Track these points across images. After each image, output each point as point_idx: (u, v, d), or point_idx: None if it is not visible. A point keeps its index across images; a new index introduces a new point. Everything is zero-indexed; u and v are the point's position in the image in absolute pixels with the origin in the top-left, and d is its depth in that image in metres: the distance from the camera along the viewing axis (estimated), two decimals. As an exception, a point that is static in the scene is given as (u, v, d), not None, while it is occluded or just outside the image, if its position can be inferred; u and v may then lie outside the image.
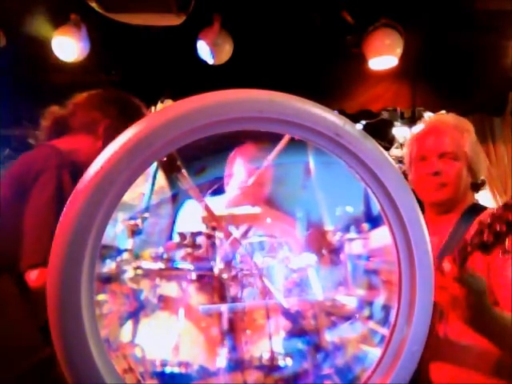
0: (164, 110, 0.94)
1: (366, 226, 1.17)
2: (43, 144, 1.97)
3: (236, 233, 1.13)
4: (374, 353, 1.04)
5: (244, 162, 2.37)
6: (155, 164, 1.10)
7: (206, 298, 1.10)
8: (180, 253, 1.13)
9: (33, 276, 1.61)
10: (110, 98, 2.03)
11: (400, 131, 5.09)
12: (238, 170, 2.39)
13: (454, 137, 1.81)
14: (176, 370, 1.04)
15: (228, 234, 1.11)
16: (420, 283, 0.96)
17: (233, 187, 2.36)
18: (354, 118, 3.99)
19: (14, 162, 1.94)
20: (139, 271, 1.07)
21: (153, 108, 4.00)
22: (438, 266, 1.33)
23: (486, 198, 4.33)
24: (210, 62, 3.75)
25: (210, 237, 1.12)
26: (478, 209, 1.81)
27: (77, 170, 1.60)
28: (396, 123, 5.03)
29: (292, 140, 0.99)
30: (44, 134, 2.01)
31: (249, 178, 2.19)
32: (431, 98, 4.07)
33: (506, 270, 1.57)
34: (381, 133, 4.90)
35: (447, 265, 1.33)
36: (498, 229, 1.20)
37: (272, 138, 1.12)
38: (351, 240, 1.17)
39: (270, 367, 1.04)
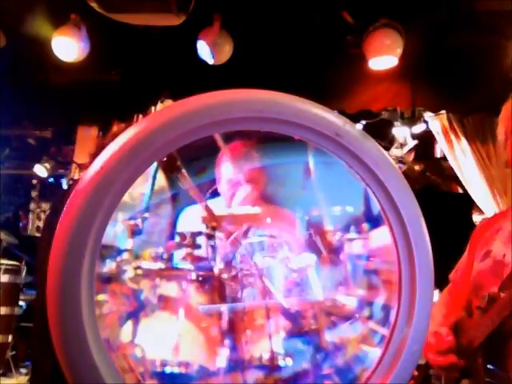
0: (164, 110, 0.94)
1: (365, 225, 1.16)
2: None
3: (236, 233, 1.13)
4: (374, 353, 1.03)
5: (231, 161, 2.33)
6: (155, 164, 1.10)
7: (206, 298, 1.10)
8: (180, 253, 1.12)
9: None
10: None
11: (400, 131, 5.09)
12: (226, 170, 2.37)
13: None
14: (176, 369, 1.04)
15: (228, 234, 1.11)
16: (420, 283, 0.96)
17: (224, 189, 2.34)
18: (354, 118, 3.98)
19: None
20: (139, 271, 1.07)
21: (153, 108, 4.00)
22: None
23: (485, 199, 4.33)
24: (210, 62, 3.74)
25: (210, 237, 1.12)
26: None
27: None
28: (396, 123, 5.03)
29: (292, 140, 0.99)
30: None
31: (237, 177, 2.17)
32: (431, 97, 4.06)
33: None
34: (381, 133, 4.90)
35: None
36: None
37: (259, 137, 1.11)
38: (351, 240, 1.17)
39: (270, 367, 1.04)
